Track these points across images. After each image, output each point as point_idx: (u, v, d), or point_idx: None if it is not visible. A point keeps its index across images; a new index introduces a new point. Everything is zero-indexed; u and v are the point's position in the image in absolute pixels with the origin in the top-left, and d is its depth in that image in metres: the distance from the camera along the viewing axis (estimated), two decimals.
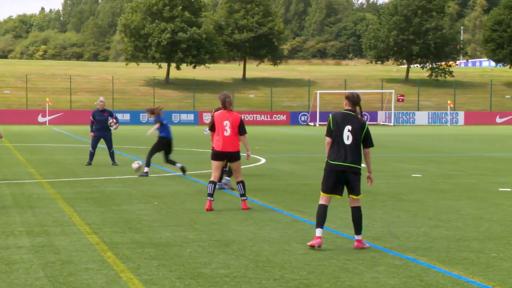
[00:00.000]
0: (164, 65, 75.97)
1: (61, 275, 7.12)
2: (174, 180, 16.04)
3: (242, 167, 19.07)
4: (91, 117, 19.63)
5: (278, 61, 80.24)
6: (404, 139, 37.00)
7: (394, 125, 60.19)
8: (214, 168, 11.85)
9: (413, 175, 17.56)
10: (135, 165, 16.87)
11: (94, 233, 9.44)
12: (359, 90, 72.72)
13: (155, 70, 77.14)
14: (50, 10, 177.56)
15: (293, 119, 60.96)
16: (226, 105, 11.81)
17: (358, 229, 8.62)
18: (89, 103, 64.82)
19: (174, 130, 48.45)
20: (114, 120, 19.34)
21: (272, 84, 71.62)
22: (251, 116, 59.55)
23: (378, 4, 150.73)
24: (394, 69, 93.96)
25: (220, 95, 12.09)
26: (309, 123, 59.21)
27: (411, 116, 63.99)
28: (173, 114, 60.69)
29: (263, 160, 21.65)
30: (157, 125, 16.94)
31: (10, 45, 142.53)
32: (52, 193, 13.64)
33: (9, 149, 25.59)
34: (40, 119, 56.48)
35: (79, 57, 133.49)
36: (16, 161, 20.79)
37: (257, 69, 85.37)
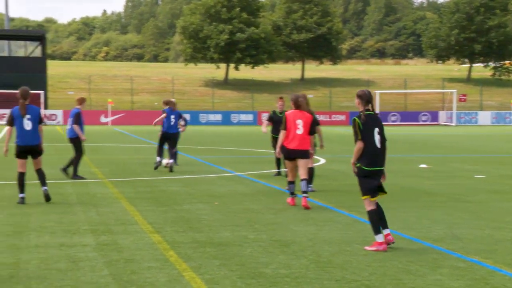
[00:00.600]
0: (222, 65, 76.43)
1: (125, 273, 7.25)
2: (233, 180, 16.13)
3: None
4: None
5: (337, 61, 79.86)
6: (466, 139, 36.33)
7: (455, 125, 59.16)
8: (289, 169, 12.22)
9: (476, 176, 17.23)
10: (164, 161, 18.19)
11: (156, 232, 9.58)
12: (419, 90, 71.77)
13: (214, 71, 77.72)
14: (112, 12, 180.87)
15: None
16: (299, 104, 12.16)
17: (385, 223, 8.62)
18: (150, 103, 65.74)
19: (233, 130, 48.67)
20: (183, 122, 19.41)
21: (330, 84, 71.29)
22: None
23: (438, 2, 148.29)
24: (455, 68, 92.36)
25: (291, 95, 12.48)
26: None
27: (473, 116, 62.78)
28: (232, 115, 61.03)
29: (322, 161, 21.57)
30: (163, 115, 18.48)
31: (73, 47, 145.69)
32: (114, 192, 13.89)
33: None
34: (103, 119, 57.56)
35: (139, 58, 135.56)
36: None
37: (316, 69, 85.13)
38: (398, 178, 16.75)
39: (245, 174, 17.26)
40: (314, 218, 10.83)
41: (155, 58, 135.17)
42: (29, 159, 12.39)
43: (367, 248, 8.47)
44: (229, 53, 72.12)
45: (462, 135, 41.81)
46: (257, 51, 71.99)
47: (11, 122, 12.11)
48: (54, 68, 75.50)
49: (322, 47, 77.44)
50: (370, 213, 8.47)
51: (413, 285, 6.82)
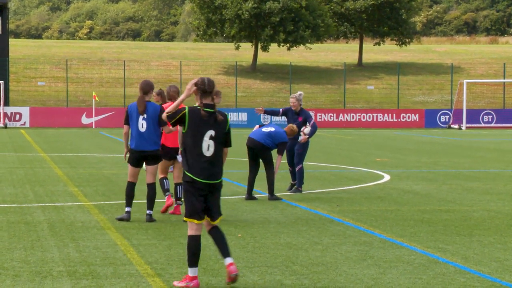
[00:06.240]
0: (247, 46, 76.33)
1: None
2: (264, 204, 16.14)
3: (359, 187, 19.01)
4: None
5: (407, 40, 79.50)
6: None
7: None
8: (164, 169, 14.95)
9: None
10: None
11: (158, 275, 9.62)
12: None
13: (237, 53, 77.92)
14: None
15: (429, 119, 60.27)
16: (171, 95, 14.62)
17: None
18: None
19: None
20: (309, 127, 18.02)
21: (399, 72, 71.05)
22: (369, 116, 59.21)
23: None
24: None
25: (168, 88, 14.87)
26: (452, 126, 58.52)
27: None
28: (262, 114, 61.01)
29: (386, 177, 21.52)
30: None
31: (45, 21, 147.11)
32: (100, 220, 13.98)
33: (43, 161, 26.37)
34: (84, 120, 57.95)
35: (135, 36, 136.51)
36: (53, 177, 21.41)
37: (378, 51, 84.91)
38: (495, 202, 16.63)
39: (280, 195, 17.25)
40: (376, 256, 10.82)
41: (157, 36, 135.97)
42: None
43: (175, 283, 9.15)
44: (256, 28, 72.06)
45: None
46: (296, 26, 71.91)
47: (127, 120, 13.82)
48: (18, 49, 76.32)
49: (387, 20, 77.13)
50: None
51: None
